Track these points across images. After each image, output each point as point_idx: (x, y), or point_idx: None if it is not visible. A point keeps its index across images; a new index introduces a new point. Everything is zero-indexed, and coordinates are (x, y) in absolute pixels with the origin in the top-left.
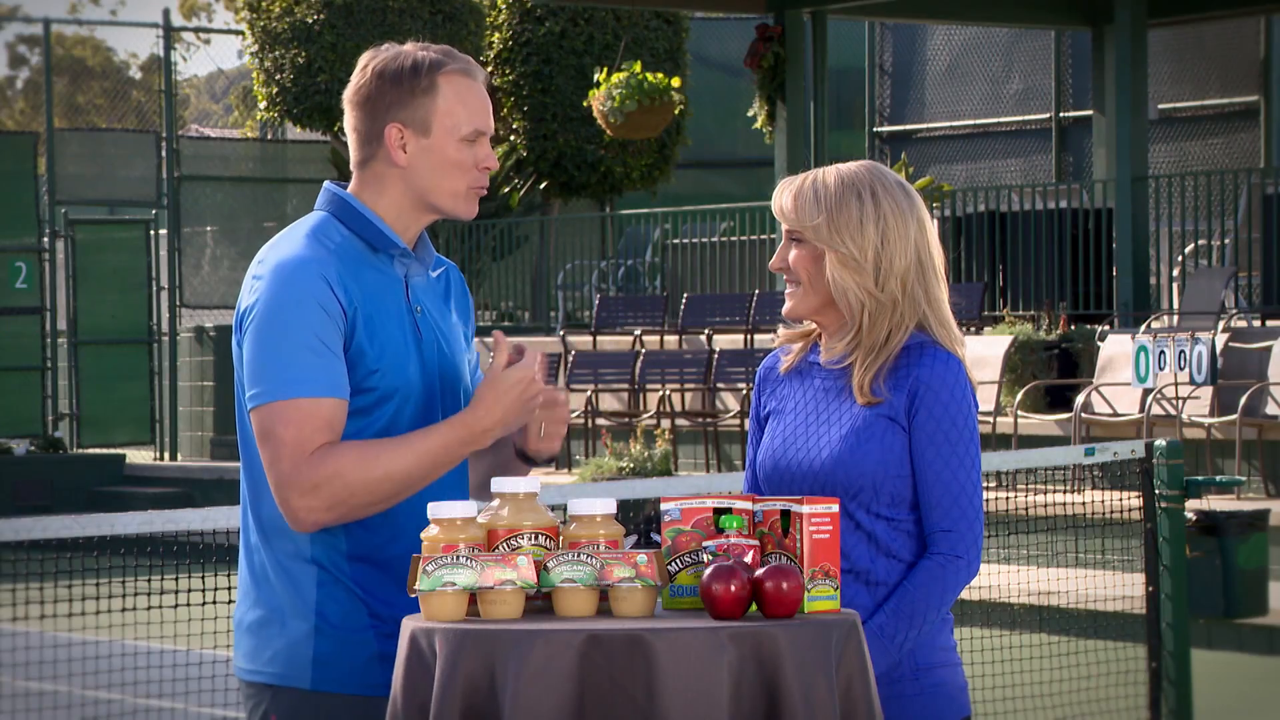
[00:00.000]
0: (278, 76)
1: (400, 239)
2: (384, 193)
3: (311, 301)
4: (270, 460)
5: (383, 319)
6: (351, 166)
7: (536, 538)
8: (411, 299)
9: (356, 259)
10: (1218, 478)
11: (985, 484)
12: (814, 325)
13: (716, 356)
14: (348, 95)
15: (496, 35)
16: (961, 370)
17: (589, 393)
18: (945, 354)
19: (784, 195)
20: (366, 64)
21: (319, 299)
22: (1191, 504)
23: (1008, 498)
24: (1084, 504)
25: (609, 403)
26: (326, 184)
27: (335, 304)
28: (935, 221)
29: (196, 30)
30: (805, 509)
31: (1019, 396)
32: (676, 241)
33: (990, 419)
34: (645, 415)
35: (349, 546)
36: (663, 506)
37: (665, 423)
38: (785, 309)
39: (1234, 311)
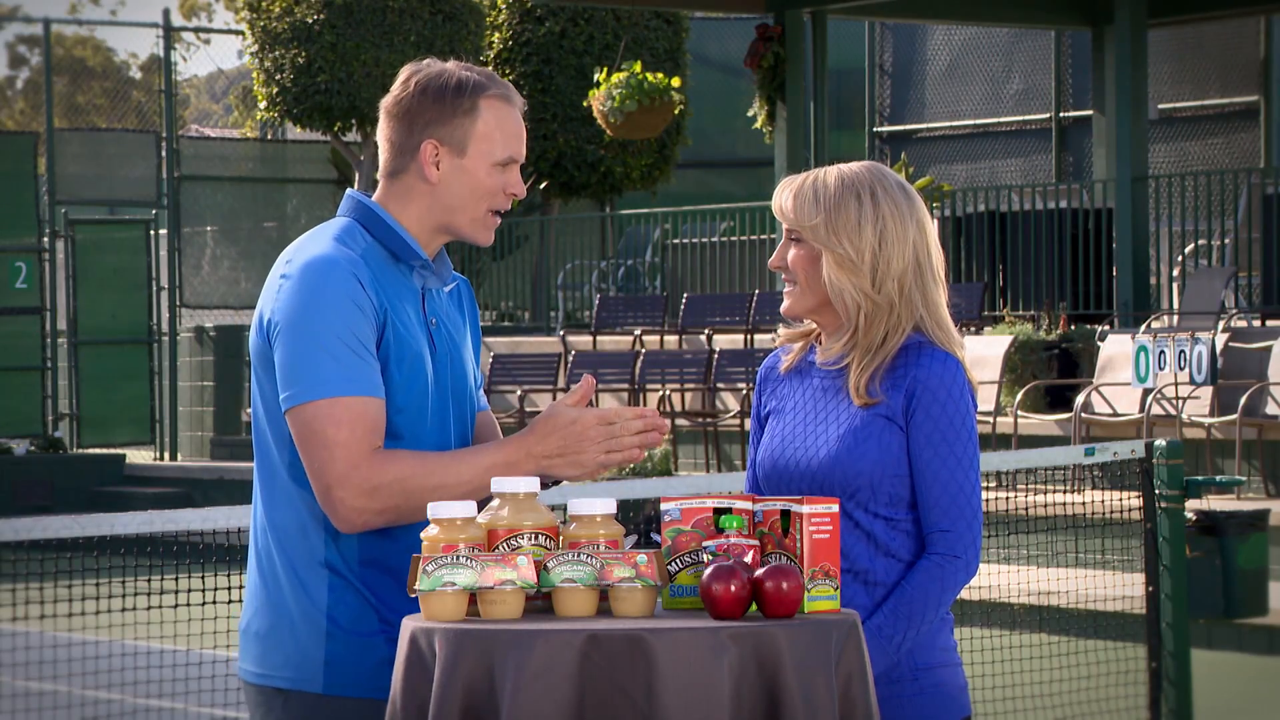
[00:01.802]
0: (278, 76)
1: (423, 251)
2: (409, 206)
3: (347, 300)
4: (322, 460)
5: (404, 328)
6: (379, 175)
7: (536, 538)
8: (428, 311)
9: (380, 266)
10: (1218, 478)
11: (985, 484)
12: (814, 325)
13: (716, 356)
14: (386, 105)
15: (496, 35)
16: (960, 370)
17: None
18: (943, 354)
19: (784, 194)
20: (409, 76)
21: (354, 297)
22: (1191, 504)
23: (1008, 498)
24: (1084, 504)
25: (609, 403)
26: (350, 191)
27: (369, 303)
28: (935, 222)
29: (196, 30)
30: (805, 509)
31: (1019, 396)
32: (676, 241)
33: (990, 419)
34: None
35: (363, 551)
36: (663, 506)
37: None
38: (783, 308)
39: (1234, 311)
